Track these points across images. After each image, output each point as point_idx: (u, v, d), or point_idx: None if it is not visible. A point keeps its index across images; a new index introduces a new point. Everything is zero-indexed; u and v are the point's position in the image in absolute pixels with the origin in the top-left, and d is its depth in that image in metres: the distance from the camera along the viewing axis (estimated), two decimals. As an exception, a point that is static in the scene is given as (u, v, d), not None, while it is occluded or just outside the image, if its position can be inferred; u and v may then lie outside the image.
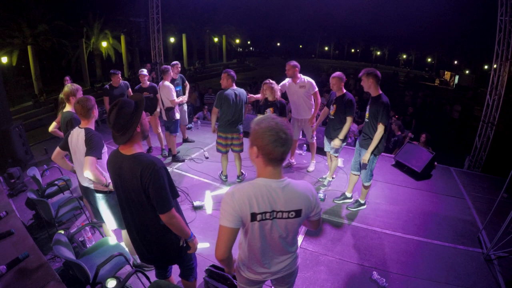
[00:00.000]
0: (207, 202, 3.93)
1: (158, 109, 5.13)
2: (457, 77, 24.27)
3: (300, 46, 42.14)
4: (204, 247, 3.08)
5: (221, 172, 4.53)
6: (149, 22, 8.50)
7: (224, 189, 4.28)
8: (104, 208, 2.57)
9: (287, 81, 4.50)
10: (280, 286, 1.71)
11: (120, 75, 4.98)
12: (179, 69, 5.47)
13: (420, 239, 3.42)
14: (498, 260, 3.10)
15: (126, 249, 2.71)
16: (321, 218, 1.59)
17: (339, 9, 27.13)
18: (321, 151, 4.65)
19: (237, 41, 29.58)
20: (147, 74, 5.09)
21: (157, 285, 1.86)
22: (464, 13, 21.66)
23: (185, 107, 5.65)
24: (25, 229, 2.45)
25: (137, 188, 1.67)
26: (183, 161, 5.17)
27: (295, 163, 5.11)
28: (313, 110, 4.51)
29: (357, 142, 3.71)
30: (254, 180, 1.42)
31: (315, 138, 4.78)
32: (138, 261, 2.68)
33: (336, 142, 3.93)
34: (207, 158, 5.35)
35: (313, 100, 4.48)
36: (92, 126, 2.54)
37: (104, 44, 17.51)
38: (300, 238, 3.30)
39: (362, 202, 3.90)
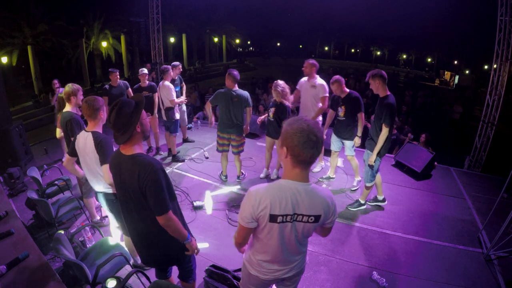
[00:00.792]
0: (207, 202, 3.93)
1: (156, 110, 5.14)
2: (457, 77, 24.25)
3: (300, 46, 42.09)
4: (204, 247, 3.08)
5: (221, 172, 4.53)
6: (149, 22, 8.51)
7: (224, 189, 4.28)
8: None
9: (303, 79, 4.44)
10: (286, 285, 1.71)
11: (117, 73, 4.97)
12: (181, 70, 5.47)
13: (420, 239, 3.42)
14: (498, 260, 3.10)
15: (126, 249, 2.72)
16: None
17: (339, 9, 27.07)
18: (327, 152, 4.60)
19: (237, 41, 29.58)
20: (148, 73, 5.08)
21: (157, 285, 1.86)
22: (464, 13, 21.64)
23: (184, 107, 5.64)
24: (25, 229, 2.45)
25: (135, 188, 1.67)
26: (183, 161, 5.17)
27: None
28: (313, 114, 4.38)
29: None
30: (279, 181, 1.40)
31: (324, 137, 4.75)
32: (139, 262, 2.67)
33: (357, 140, 4.00)
34: (207, 158, 5.35)
35: (319, 104, 4.30)
36: (99, 129, 2.46)
37: (104, 44, 17.52)
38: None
39: (363, 202, 3.90)
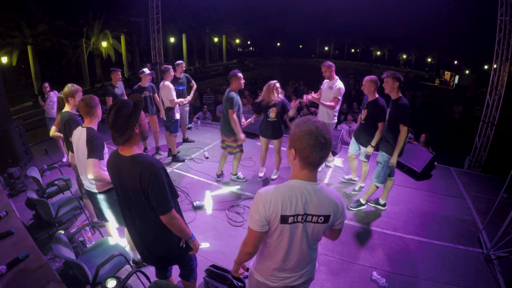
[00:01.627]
0: (207, 202, 3.93)
1: (160, 108, 5.13)
2: (457, 77, 24.27)
3: (300, 46, 42.13)
4: (204, 247, 3.08)
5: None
6: (149, 22, 8.51)
7: (224, 189, 4.28)
8: (106, 207, 2.57)
9: (326, 80, 4.43)
10: None
11: (119, 73, 4.98)
12: (184, 68, 5.48)
13: (420, 239, 3.42)
14: (498, 260, 3.10)
15: (127, 247, 2.72)
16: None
17: (339, 9, 27.13)
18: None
19: (237, 41, 29.61)
20: (149, 73, 5.07)
21: (157, 285, 1.86)
22: (464, 13, 21.65)
23: (187, 107, 5.64)
24: (25, 229, 2.45)
25: (136, 189, 1.66)
26: (183, 161, 5.17)
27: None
28: (329, 110, 4.29)
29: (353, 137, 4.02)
30: (288, 181, 1.39)
31: None
32: (138, 256, 2.68)
33: (369, 150, 3.82)
34: (207, 158, 5.34)
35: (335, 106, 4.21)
36: (95, 126, 2.55)
37: (104, 44, 17.54)
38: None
39: (363, 202, 3.91)
